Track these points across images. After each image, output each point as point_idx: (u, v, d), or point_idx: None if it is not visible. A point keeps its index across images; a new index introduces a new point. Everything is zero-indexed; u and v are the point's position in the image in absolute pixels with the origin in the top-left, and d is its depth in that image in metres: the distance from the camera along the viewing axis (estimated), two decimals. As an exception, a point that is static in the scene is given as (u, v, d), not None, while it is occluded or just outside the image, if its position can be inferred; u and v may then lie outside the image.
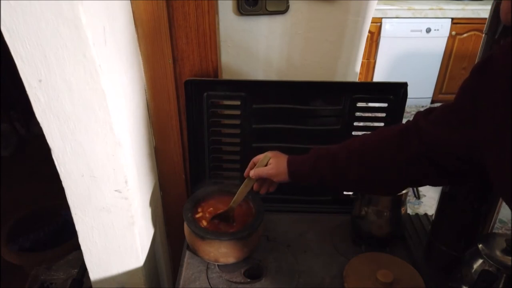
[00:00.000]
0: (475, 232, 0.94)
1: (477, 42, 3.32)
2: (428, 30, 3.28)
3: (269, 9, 1.06)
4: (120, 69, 0.83)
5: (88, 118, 0.75)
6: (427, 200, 2.40)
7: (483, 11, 3.21)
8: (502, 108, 0.54)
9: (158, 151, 1.14)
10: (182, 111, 1.09)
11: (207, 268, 0.97)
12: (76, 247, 1.16)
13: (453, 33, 3.30)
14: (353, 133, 1.09)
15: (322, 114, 1.08)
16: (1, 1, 0.61)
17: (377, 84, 1.47)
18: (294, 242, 1.06)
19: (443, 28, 3.28)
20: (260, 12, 1.06)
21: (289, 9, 1.07)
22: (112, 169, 0.82)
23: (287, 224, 1.12)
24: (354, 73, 1.17)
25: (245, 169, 0.94)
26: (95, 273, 0.99)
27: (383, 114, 1.07)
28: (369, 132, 0.83)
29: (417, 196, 1.10)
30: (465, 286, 0.81)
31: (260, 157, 0.91)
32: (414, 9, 3.25)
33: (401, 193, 0.98)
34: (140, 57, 1.00)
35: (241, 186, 0.94)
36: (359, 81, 1.70)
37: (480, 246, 0.79)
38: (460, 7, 3.25)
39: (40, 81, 0.69)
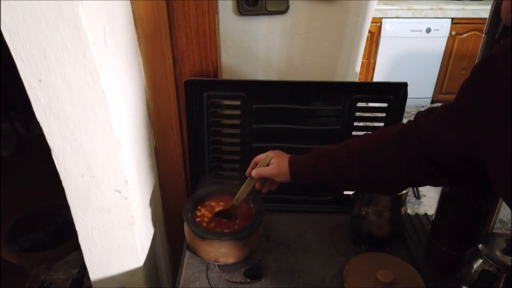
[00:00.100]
0: (475, 232, 0.94)
1: (477, 42, 3.32)
2: (428, 30, 3.28)
3: (269, 9, 1.06)
4: (120, 69, 0.83)
5: (88, 118, 0.75)
6: (427, 200, 2.40)
7: (483, 11, 3.21)
8: (502, 108, 0.54)
9: (158, 151, 1.14)
10: (182, 111, 1.09)
11: (207, 268, 0.97)
12: (76, 247, 1.16)
13: (453, 33, 3.30)
14: (353, 133, 1.09)
15: (322, 114, 1.08)
16: (1, 1, 0.61)
17: (377, 84, 1.47)
18: (294, 242, 1.06)
19: (443, 28, 3.28)
20: (260, 12, 1.06)
21: (289, 9, 1.07)
22: (112, 169, 0.82)
23: (287, 224, 1.12)
24: (354, 73, 1.17)
25: (245, 169, 0.94)
26: (95, 273, 0.99)
27: (383, 114, 1.07)
28: (369, 132, 0.83)
29: (417, 196, 1.10)
30: (465, 286, 0.81)
31: (261, 156, 0.91)
32: (414, 9, 3.25)
33: (401, 193, 0.98)
34: (140, 57, 1.00)
35: (243, 185, 0.95)
36: (359, 81, 1.70)
37: (480, 246, 0.79)
38: (460, 7, 3.25)
39: (40, 81, 0.69)
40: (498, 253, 0.77)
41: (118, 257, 0.96)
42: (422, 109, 0.72)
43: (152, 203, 1.09)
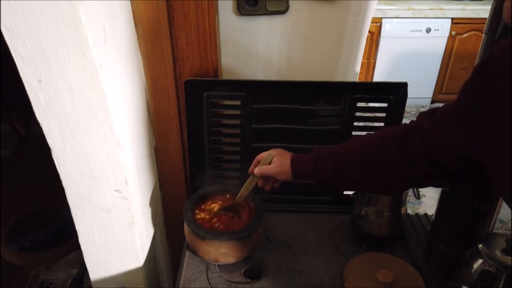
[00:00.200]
0: (475, 232, 0.94)
1: (477, 42, 3.32)
2: (428, 30, 3.28)
3: (269, 9, 1.06)
4: (120, 69, 0.83)
5: (88, 118, 0.75)
6: (427, 200, 2.40)
7: (483, 11, 3.21)
8: (502, 108, 0.54)
9: (158, 151, 1.14)
10: (182, 111, 1.09)
11: (207, 268, 0.97)
12: (76, 247, 1.16)
13: (453, 33, 3.30)
14: (353, 133, 1.09)
15: (322, 114, 1.08)
16: (1, 1, 0.61)
17: (377, 84, 1.47)
18: (294, 242, 1.06)
19: (443, 28, 3.28)
20: (260, 12, 1.06)
21: (289, 9, 1.07)
22: (112, 169, 0.82)
23: (287, 224, 1.12)
24: (354, 73, 1.17)
25: (245, 169, 0.94)
26: (95, 273, 0.99)
27: (383, 114, 1.07)
28: (371, 133, 0.83)
29: (417, 196, 1.10)
30: (465, 286, 0.81)
31: (264, 154, 0.91)
32: (414, 9, 3.25)
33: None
34: (140, 57, 1.00)
35: (246, 182, 0.95)
36: (359, 81, 1.70)
37: (480, 246, 0.79)
38: (460, 7, 3.25)
39: (40, 81, 0.69)
40: (498, 253, 0.77)
41: (118, 257, 0.96)
42: (422, 109, 0.72)
43: (152, 203, 1.09)
